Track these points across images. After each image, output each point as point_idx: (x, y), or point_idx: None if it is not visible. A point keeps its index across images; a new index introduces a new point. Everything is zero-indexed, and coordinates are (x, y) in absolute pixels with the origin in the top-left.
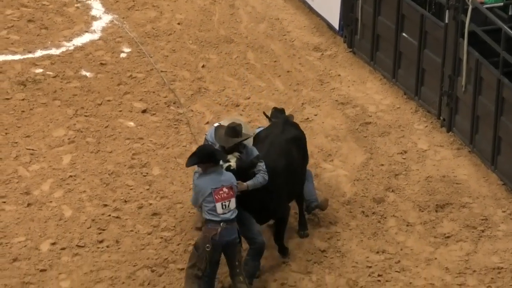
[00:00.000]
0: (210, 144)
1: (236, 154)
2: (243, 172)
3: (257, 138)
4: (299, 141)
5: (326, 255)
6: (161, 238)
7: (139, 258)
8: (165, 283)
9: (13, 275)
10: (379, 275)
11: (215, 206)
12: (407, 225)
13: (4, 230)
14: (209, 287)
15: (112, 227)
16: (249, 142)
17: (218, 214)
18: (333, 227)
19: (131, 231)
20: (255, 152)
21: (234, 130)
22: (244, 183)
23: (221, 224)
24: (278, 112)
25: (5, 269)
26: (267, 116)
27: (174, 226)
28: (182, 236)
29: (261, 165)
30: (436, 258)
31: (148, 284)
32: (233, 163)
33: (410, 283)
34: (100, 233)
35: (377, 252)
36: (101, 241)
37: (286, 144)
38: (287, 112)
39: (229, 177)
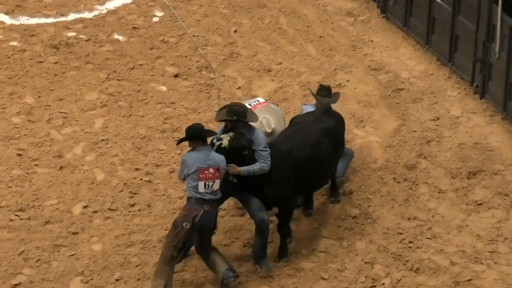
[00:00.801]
0: (198, 123)
1: (231, 134)
2: (235, 152)
3: (291, 122)
4: (333, 133)
5: (357, 221)
6: None
7: (171, 222)
8: None
9: (45, 237)
10: (410, 242)
11: (197, 185)
12: (439, 192)
13: (36, 193)
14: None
15: (144, 191)
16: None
17: (200, 192)
18: (364, 193)
19: (163, 195)
20: (259, 138)
21: (230, 109)
22: (237, 168)
23: (204, 206)
24: (324, 90)
25: (37, 231)
26: (312, 93)
27: None
28: None
29: (264, 154)
30: (467, 225)
31: None
32: (225, 141)
33: (441, 250)
34: (132, 197)
35: (409, 219)
36: (132, 205)
37: (316, 134)
38: (320, 78)
39: (218, 158)
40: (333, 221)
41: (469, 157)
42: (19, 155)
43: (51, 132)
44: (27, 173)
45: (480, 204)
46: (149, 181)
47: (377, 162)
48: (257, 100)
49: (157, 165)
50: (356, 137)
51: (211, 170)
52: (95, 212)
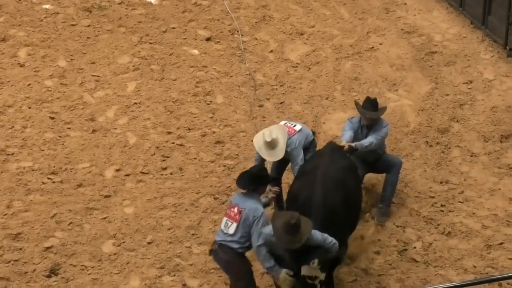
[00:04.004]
0: (257, 169)
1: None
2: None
3: (307, 164)
4: (353, 170)
5: None
6: (224, 166)
7: (202, 186)
8: None
9: (77, 200)
10: (442, 205)
11: (222, 219)
12: (471, 156)
13: (69, 156)
14: None
15: (176, 155)
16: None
17: (221, 228)
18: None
19: (195, 158)
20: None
21: (290, 227)
22: None
23: (214, 244)
24: (369, 103)
25: (70, 194)
26: (357, 106)
27: (237, 155)
28: (245, 164)
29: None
30: (500, 189)
31: (211, 211)
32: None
33: (473, 213)
34: (164, 160)
35: (441, 183)
36: (164, 168)
37: (339, 175)
38: (353, 41)
39: (249, 204)
40: (365, 185)
41: (501, 120)
42: (52, 118)
43: (84, 96)
44: (60, 136)
45: None
46: (181, 145)
47: (409, 126)
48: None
49: (189, 129)
50: (389, 100)
51: (236, 210)
52: (127, 175)
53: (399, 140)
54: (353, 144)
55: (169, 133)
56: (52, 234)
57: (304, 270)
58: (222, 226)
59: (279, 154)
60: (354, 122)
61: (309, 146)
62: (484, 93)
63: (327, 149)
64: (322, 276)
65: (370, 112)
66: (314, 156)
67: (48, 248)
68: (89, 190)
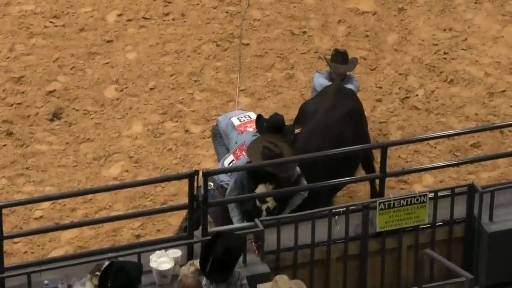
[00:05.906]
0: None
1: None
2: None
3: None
4: (358, 114)
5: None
6: (227, 12)
7: (205, 32)
8: (229, 58)
9: (79, 45)
10: (445, 53)
11: (228, 156)
12: (476, 2)
13: (70, 0)
14: None
15: (178, 0)
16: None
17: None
18: (400, 4)
19: (197, 4)
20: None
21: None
22: None
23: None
24: (339, 56)
25: (72, 38)
26: (326, 60)
27: (240, 1)
28: (247, 11)
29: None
30: (503, 36)
31: (214, 58)
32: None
33: (476, 61)
34: (166, 6)
35: (444, 30)
36: (167, 14)
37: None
38: None
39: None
40: (369, 32)
41: None
42: None
43: None
44: None
45: None
46: None
47: None
48: (248, 116)
49: None
50: None
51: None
52: (129, 20)
53: None
54: None
55: None
56: (54, 78)
57: (259, 189)
58: (226, 164)
59: None
60: (324, 73)
61: None
62: None
63: (332, 90)
64: (272, 204)
65: (344, 66)
66: (319, 95)
67: (50, 92)
68: (91, 34)
